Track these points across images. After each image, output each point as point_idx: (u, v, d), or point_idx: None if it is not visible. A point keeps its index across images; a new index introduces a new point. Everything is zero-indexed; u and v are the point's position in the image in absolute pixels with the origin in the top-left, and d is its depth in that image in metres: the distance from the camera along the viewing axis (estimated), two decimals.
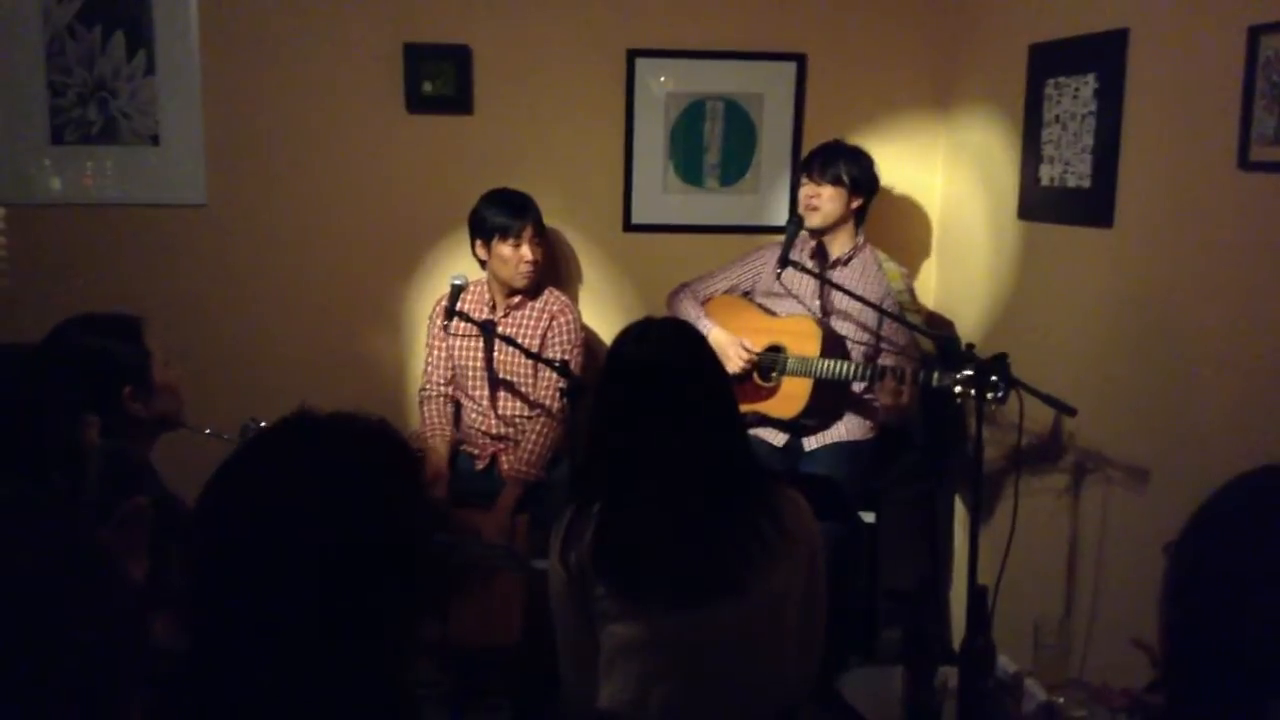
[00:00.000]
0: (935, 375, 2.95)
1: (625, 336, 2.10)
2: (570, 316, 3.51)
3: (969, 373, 2.79)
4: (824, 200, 3.40)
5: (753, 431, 3.38)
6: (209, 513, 1.20)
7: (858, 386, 3.36)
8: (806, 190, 3.43)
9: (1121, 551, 2.86)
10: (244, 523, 1.17)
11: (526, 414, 3.50)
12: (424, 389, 3.60)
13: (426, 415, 3.57)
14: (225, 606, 1.16)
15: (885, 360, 3.35)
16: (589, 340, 3.66)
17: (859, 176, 3.42)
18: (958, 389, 2.83)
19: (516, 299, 3.49)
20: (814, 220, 3.42)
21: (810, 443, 3.41)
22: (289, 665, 1.15)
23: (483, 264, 3.50)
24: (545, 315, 3.49)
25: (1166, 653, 1.26)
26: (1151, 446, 2.75)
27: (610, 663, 2.00)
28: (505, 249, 3.40)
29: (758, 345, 3.37)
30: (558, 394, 3.34)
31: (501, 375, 3.50)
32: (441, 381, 3.58)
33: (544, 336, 3.47)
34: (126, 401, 2.24)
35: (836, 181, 3.39)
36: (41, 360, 2.15)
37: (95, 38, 3.56)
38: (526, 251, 3.41)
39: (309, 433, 1.24)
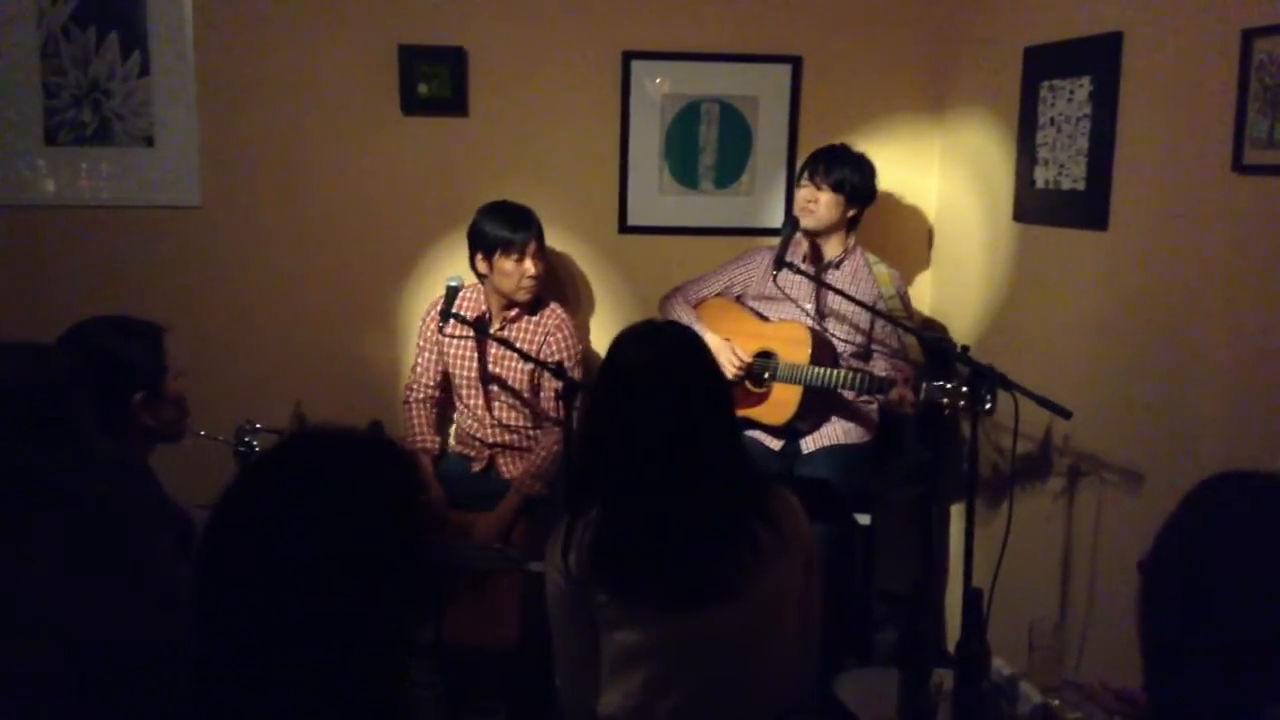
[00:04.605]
0: (923, 388, 2.95)
1: (625, 338, 2.07)
2: (567, 332, 3.46)
3: (952, 385, 2.81)
4: (821, 206, 3.40)
5: (749, 435, 3.39)
6: (217, 532, 1.23)
7: (850, 395, 3.36)
8: (805, 193, 3.43)
9: (1116, 554, 2.86)
10: (248, 537, 1.20)
11: (523, 421, 3.48)
12: (409, 388, 3.58)
13: (413, 421, 3.55)
14: (228, 615, 1.19)
15: (878, 364, 3.36)
16: (583, 343, 3.65)
17: (859, 186, 3.42)
18: (945, 400, 2.84)
19: (513, 312, 3.45)
20: (807, 222, 3.42)
21: (808, 444, 3.41)
22: (286, 670, 1.16)
23: (482, 278, 3.45)
24: (541, 331, 3.44)
25: (1146, 666, 1.28)
26: (1146, 449, 2.75)
27: (613, 670, 1.98)
28: (508, 264, 3.35)
29: (749, 350, 3.37)
30: (560, 402, 3.31)
31: (496, 377, 3.48)
32: (430, 384, 3.56)
33: (540, 351, 3.41)
34: (136, 407, 2.24)
35: (837, 188, 3.39)
36: (55, 352, 2.17)
37: (89, 39, 3.55)
38: (529, 266, 3.36)
39: (308, 450, 1.29)
